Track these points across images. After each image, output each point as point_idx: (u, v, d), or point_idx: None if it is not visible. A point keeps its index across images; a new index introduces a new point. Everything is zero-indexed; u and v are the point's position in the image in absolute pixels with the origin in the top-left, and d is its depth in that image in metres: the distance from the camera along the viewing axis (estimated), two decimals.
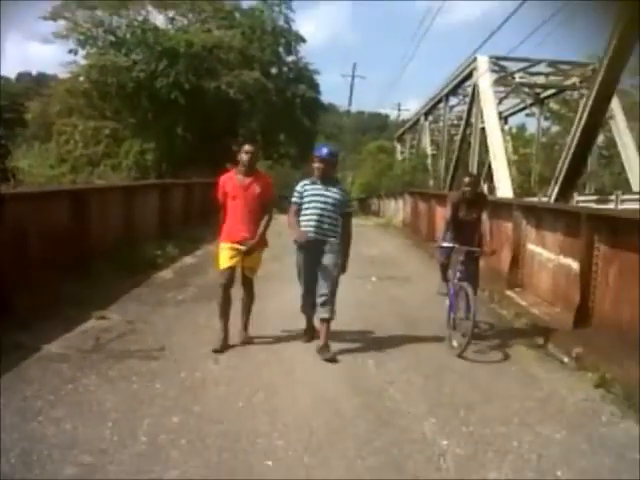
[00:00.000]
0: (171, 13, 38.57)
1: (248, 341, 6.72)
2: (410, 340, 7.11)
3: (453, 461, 4.07)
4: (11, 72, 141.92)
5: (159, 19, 37.98)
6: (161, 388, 5.11)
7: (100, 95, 34.64)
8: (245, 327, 6.83)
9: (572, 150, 17.49)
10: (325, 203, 6.47)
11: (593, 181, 30.83)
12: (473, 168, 28.78)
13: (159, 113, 33.14)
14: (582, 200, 20.52)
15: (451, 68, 33.72)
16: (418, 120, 43.59)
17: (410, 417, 4.81)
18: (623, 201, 17.98)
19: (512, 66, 29.41)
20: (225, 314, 6.58)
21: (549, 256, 8.84)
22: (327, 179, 6.54)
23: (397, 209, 27.07)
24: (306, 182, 6.63)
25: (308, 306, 6.79)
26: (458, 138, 31.95)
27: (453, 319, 6.97)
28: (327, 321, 6.47)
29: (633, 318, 6.28)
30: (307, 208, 6.49)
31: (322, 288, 6.46)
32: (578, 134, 17.18)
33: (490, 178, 26.79)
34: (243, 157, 6.59)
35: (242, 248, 6.51)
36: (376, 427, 4.57)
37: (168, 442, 4.13)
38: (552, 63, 29.22)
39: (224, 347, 6.41)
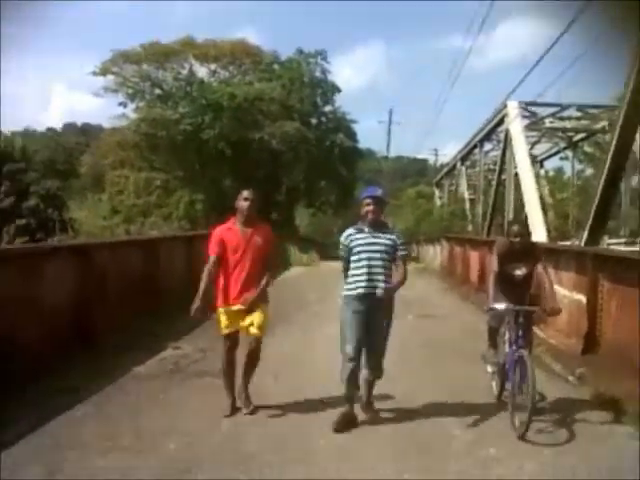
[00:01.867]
0: (213, 66, 40.78)
1: (253, 411, 5.94)
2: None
3: None
4: (56, 123, 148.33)
5: (201, 71, 40.24)
6: None
7: (150, 147, 36.50)
8: (245, 390, 6.03)
9: (599, 195, 18.23)
10: (377, 252, 5.66)
11: (628, 224, 31.32)
12: (509, 213, 29.68)
13: (206, 164, 34.82)
14: (613, 243, 21.24)
15: (487, 111, 34.82)
16: (455, 165, 44.27)
17: None
18: None
19: (542, 111, 30.10)
20: (229, 378, 5.99)
21: (565, 293, 9.73)
22: (377, 224, 5.74)
23: (435, 254, 28.08)
24: (351, 231, 5.81)
25: (354, 380, 5.75)
26: (495, 182, 32.73)
27: (512, 393, 5.89)
28: (373, 382, 5.93)
29: (633, 344, 7.29)
30: (357, 260, 5.67)
31: (374, 347, 5.74)
32: (603, 179, 17.96)
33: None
34: (242, 205, 5.85)
35: (241, 307, 5.81)
36: None
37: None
38: (581, 107, 29.76)
39: (234, 411, 5.87)
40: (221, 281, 5.86)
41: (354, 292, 5.67)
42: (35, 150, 47.68)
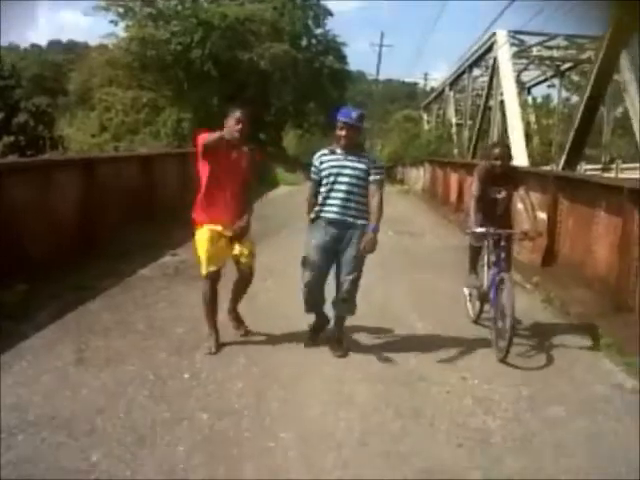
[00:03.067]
0: None
1: (247, 332, 5.82)
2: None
3: None
4: (41, 39, 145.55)
5: None
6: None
7: (139, 66, 36.53)
8: (235, 312, 5.84)
9: (577, 123, 18.86)
10: (349, 176, 5.26)
11: (607, 152, 32.07)
12: (493, 137, 30.30)
13: (195, 84, 34.97)
14: (589, 169, 22.08)
15: (476, 37, 34.82)
16: (444, 90, 44.48)
17: None
18: (623, 169, 19.48)
19: (530, 40, 30.35)
20: (213, 313, 5.52)
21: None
22: (351, 148, 5.30)
23: (418, 177, 28.85)
24: (324, 152, 5.43)
25: (315, 303, 5.61)
26: (480, 108, 33.22)
27: (494, 317, 5.78)
28: (344, 319, 5.66)
29: (585, 257, 8.17)
30: (327, 184, 5.31)
31: (346, 283, 5.37)
32: (582, 108, 18.56)
33: None
34: (233, 127, 5.20)
35: (229, 233, 5.37)
36: None
37: None
38: (568, 37, 29.96)
39: (218, 347, 5.43)
40: (204, 194, 5.35)
41: (324, 215, 5.33)
42: (23, 67, 47.35)
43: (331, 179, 5.31)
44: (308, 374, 5.06)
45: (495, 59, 29.13)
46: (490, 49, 30.45)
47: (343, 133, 5.26)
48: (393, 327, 6.32)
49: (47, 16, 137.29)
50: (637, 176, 16.39)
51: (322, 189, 5.37)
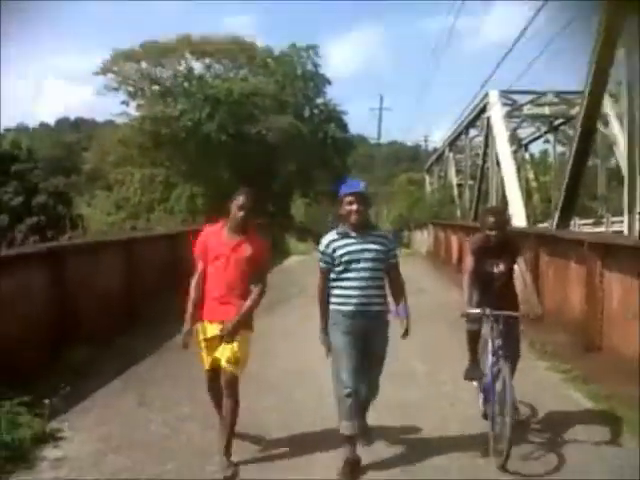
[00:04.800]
0: (207, 60, 42.73)
1: (233, 475, 4.72)
2: None
3: None
4: (49, 117, 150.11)
5: (196, 66, 42.18)
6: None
7: (153, 144, 38.39)
8: (227, 449, 4.84)
9: (566, 179, 19.82)
10: (368, 261, 4.72)
11: (604, 204, 33.26)
12: (492, 198, 31.53)
13: (206, 158, 36.73)
14: (582, 224, 23.26)
15: (472, 94, 36.27)
16: (444, 152, 45.49)
17: None
18: (613, 223, 20.60)
19: (521, 98, 31.46)
20: (220, 407, 5.05)
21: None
22: (364, 225, 4.78)
23: (422, 239, 30.20)
24: (333, 237, 4.82)
25: (360, 409, 4.91)
26: (479, 169, 34.53)
27: (491, 415, 5.16)
28: (369, 401, 5.06)
29: (562, 304, 9.37)
30: (345, 271, 4.73)
31: (374, 373, 4.90)
32: (570, 163, 19.52)
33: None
34: (236, 213, 4.90)
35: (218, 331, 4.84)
36: None
37: None
38: (558, 93, 31.06)
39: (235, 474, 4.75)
40: (205, 288, 4.97)
41: (345, 309, 4.74)
42: (36, 148, 49.34)
43: (349, 266, 4.71)
44: None
45: (489, 119, 30.48)
46: (484, 109, 31.50)
47: (354, 208, 4.67)
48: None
49: (54, 93, 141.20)
50: (623, 228, 17.44)
51: (336, 277, 4.77)
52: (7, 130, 55.58)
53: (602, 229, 22.32)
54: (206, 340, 4.90)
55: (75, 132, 78.08)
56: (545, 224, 25.95)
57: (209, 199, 36.45)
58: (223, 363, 4.82)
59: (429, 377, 7.39)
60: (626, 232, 16.22)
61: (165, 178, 39.01)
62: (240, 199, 4.93)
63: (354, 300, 4.71)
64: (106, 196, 40.76)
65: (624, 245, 7.91)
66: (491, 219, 5.40)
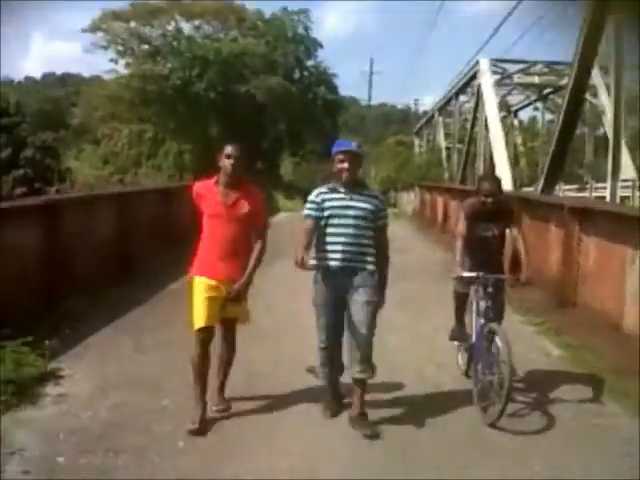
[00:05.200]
0: (197, 21, 42.43)
1: (225, 409, 5.00)
2: None
3: None
4: (35, 72, 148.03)
5: (186, 27, 41.93)
6: None
7: (141, 101, 38.32)
8: (221, 389, 5.07)
9: (553, 145, 20.13)
10: (355, 218, 4.71)
11: (589, 172, 33.65)
12: (480, 162, 31.89)
13: (194, 116, 36.75)
14: (566, 189, 23.65)
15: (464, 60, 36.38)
16: (433, 115, 45.94)
17: None
18: (597, 189, 21.04)
19: (511, 67, 32.07)
20: (202, 378, 4.81)
21: None
22: (354, 183, 4.79)
23: (409, 200, 30.53)
24: (323, 190, 4.82)
25: (331, 365, 4.98)
26: (467, 133, 34.82)
27: (478, 372, 5.20)
28: (364, 382, 4.80)
29: (542, 264, 9.71)
30: (330, 226, 4.72)
31: (358, 337, 4.70)
32: (557, 130, 19.81)
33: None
34: (224, 163, 4.78)
35: (223, 291, 4.79)
36: None
37: None
38: (548, 64, 31.64)
39: (204, 425, 4.69)
40: (200, 248, 4.90)
41: (329, 264, 4.72)
42: (24, 102, 48.99)
43: (334, 221, 4.71)
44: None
45: (479, 86, 30.76)
46: (474, 76, 32.02)
47: (345, 165, 4.70)
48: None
49: (40, 47, 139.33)
50: (606, 194, 17.91)
51: (321, 233, 4.75)
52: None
53: (585, 194, 22.68)
54: (207, 293, 4.74)
55: (61, 87, 77.30)
56: (530, 188, 26.30)
57: (197, 156, 36.67)
58: (227, 324, 4.96)
59: (408, 325, 7.72)
60: (608, 197, 16.66)
61: (153, 134, 39.07)
62: (228, 149, 4.82)
63: (338, 255, 4.68)
64: (94, 150, 40.69)
65: (601, 210, 8.25)
66: (486, 185, 5.44)
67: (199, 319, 4.75)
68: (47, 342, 5.86)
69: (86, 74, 68.99)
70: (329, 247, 4.74)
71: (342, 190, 4.77)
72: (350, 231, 4.71)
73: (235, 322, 5.01)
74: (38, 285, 7.63)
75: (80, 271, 8.63)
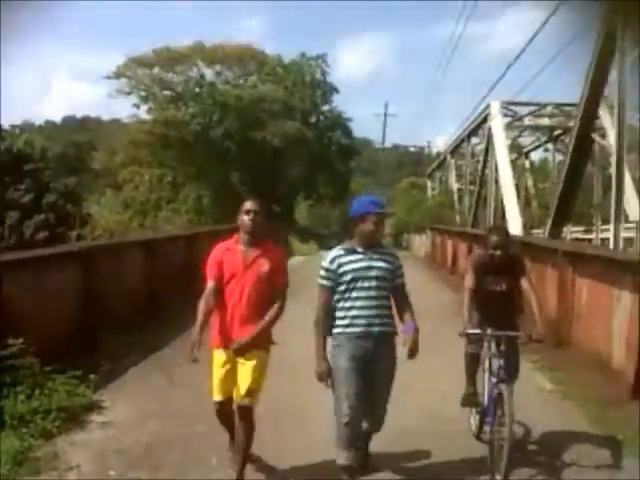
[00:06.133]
0: (218, 67, 43.87)
1: None
2: None
3: None
4: (55, 115, 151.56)
5: (207, 72, 43.34)
6: None
7: (162, 146, 39.45)
8: (240, 474, 4.67)
9: (560, 189, 20.38)
10: (376, 279, 4.51)
11: (599, 212, 34.15)
12: (490, 204, 32.50)
13: (214, 161, 37.79)
14: (573, 231, 24.23)
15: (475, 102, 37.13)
16: (446, 158, 46.39)
17: None
18: (603, 230, 21.56)
19: (522, 110, 32.80)
20: (231, 433, 4.89)
21: None
22: (373, 243, 4.59)
23: (421, 243, 31.26)
24: (339, 252, 4.57)
25: (358, 438, 4.64)
26: (478, 177, 35.48)
27: (490, 438, 5.02)
28: (371, 435, 4.88)
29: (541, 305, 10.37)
30: (352, 290, 4.49)
31: (381, 401, 4.63)
32: (564, 174, 19.66)
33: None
34: (244, 220, 4.64)
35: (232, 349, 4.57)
36: None
37: None
38: (557, 105, 32.29)
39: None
40: (216, 316, 4.64)
41: (350, 330, 4.48)
42: (46, 147, 50.31)
43: (356, 284, 4.48)
44: None
45: (489, 129, 31.35)
46: (486, 119, 32.58)
47: (373, 228, 4.51)
48: None
49: (61, 90, 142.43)
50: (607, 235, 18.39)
51: (340, 298, 4.52)
52: (13, 126, 56.75)
53: (592, 236, 23.31)
54: (220, 367, 4.63)
55: (81, 130, 79.01)
56: (540, 230, 26.80)
57: (215, 200, 37.56)
58: (238, 399, 4.62)
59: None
60: (612, 239, 17.24)
61: (173, 179, 40.06)
62: (247, 204, 4.65)
63: (361, 320, 4.45)
64: (115, 195, 41.72)
65: (592, 254, 8.93)
66: (495, 238, 5.22)
67: (215, 393, 4.70)
68: (92, 376, 6.62)
69: (105, 117, 70.90)
70: (352, 312, 4.48)
71: (360, 250, 4.53)
72: (372, 293, 4.50)
73: (251, 411, 4.64)
74: (77, 325, 8.42)
75: (112, 313, 9.39)
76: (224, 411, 4.75)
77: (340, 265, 4.50)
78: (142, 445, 5.50)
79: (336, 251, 4.60)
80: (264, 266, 4.61)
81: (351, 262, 4.50)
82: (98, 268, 9.31)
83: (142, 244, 12.01)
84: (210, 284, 4.61)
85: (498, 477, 4.70)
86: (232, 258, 4.65)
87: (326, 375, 4.48)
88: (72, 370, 6.57)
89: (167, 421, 6.06)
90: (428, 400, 6.75)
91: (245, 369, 4.58)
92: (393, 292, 4.64)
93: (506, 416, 4.68)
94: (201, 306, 4.52)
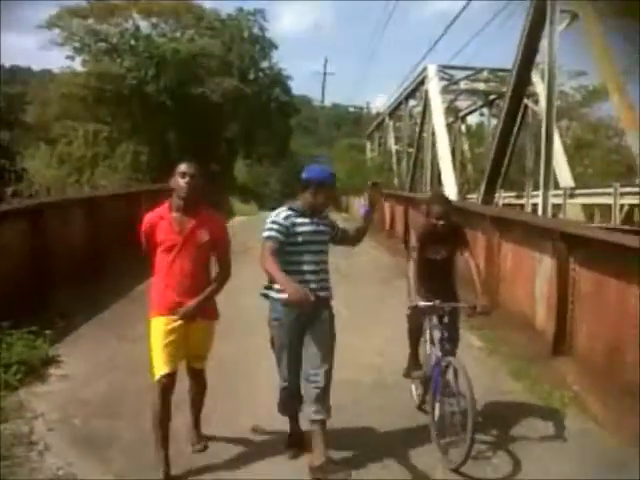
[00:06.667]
0: (154, 20, 43.06)
1: (202, 448, 4.79)
2: None
3: None
4: None
5: (143, 25, 42.50)
6: None
7: (96, 100, 38.63)
8: (196, 425, 4.85)
9: (492, 153, 20.42)
10: (320, 244, 4.58)
11: (531, 179, 35.19)
12: (427, 167, 33.19)
13: (151, 117, 37.29)
14: (505, 196, 25.05)
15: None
16: (384, 119, 46.92)
17: None
18: (533, 196, 22.35)
19: (458, 74, 33.48)
20: (163, 427, 4.44)
21: None
22: (318, 211, 4.62)
23: (359, 206, 31.75)
24: (289, 213, 4.50)
25: (291, 401, 4.68)
26: (416, 140, 36.06)
27: (439, 414, 4.93)
28: (323, 423, 4.41)
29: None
30: (300, 253, 4.47)
31: (317, 374, 4.41)
32: (497, 138, 20.17)
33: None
34: (178, 183, 4.38)
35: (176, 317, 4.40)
36: None
37: None
38: (492, 71, 33.21)
39: (168, 475, 4.35)
40: (155, 286, 4.51)
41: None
42: None
43: (302, 248, 4.46)
44: None
45: (426, 92, 31.97)
46: (423, 82, 33.22)
47: (323, 200, 4.56)
48: None
49: None
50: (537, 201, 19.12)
51: (287, 260, 4.42)
52: None
53: (523, 201, 24.22)
54: (166, 336, 4.39)
55: (11, 81, 76.36)
56: (474, 195, 27.52)
57: (153, 158, 37.12)
58: (191, 362, 4.67)
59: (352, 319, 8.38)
60: (540, 205, 18.07)
61: (109, 134, 39.37)
62: (182, 167, 4.40)
63: (307, 285, 4.35)
64: (49, 150, 40.84)
65: (516, 220, 9.57)
66: (437, 208, 5.22)
67: (159, 367, 4.38)
68: (47, 332, 6.93)
69: (35, 67, 68.69)
70: (297, 276, 4.37)
71: (308, 214, 4.53)
72: (317, 258, 4.54)
73: (204, 372, 4.76)
74: (26, 282, 8.64)
75: (59, 270, 9.60)
76: (170, 387, 4.40)
77: (292, 225, 4.44)
78: (100, 396, 5.89)
79: (286, 211, 4.52)
80: (204, 236, 4.42)
81: (301, 224, 4.48)
82: (46, 225, 9.50)
83: (86, 201, 12.24)
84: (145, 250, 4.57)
85: (456, 452, 4.65)
86: (167, 228, 4.42)
87: (305, 295, 4.17)
88: (27, 326, 6.84)
89: (121, 374, 6.42)
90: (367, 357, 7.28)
91: (195, 334, 4.50)
92: (341, 241, 4.79)
93: (465, 391, 4.59)
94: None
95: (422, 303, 4.99)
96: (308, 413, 4.47)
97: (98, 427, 5.25)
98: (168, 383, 4.39)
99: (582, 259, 6.97)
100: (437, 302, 4.98)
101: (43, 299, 8.46)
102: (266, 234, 4.42)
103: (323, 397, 4.41)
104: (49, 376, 6.34)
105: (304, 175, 4.60)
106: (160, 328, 4.41)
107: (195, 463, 4.65)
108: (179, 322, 4.39)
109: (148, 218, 4.51)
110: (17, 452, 4.74)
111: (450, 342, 5.02)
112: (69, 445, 4.94)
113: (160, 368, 4.38)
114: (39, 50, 68.67)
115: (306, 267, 4.46)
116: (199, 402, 4.88)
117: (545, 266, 7.91)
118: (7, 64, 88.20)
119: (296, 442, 4.83)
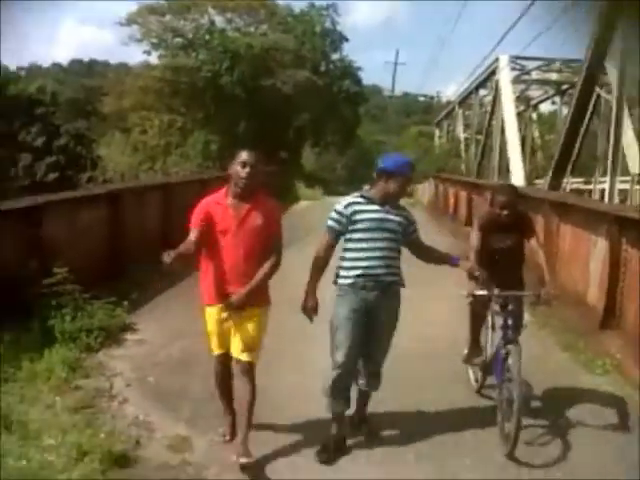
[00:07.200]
0: (229, 14, 44.01)
1: (250, 463, 4.26)
2: None
3: None
4: (62, 57, 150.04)
5: (218, 20, 43.49)
6: None
7: (172, 92, 39.86)
8: (245, 441, 4.34)
9: (562, 140, 20.16)
10: (389, 231, 4.56)
11: (601, 165, 34.62)
12: (496, 157, 33.01)
13: (223, 108, 38.22)
14: (573, 182, 24.85)
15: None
16: (454, 108, 46.56)
17: None
18: (601, 182, 22.16)
19: (530, 64, 33.16)
20: (225, 394, 4.78)
21: None
22: (392, 200, 4.62)
23: (424, 190, 31.96)
24: (356, 199, 4.58)
25: (346, 388, 4.69)
26: (484, 128, 35.94)
27: (505, 398, 4.82)
28: (369, 393, 4.89)
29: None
30: (360, 240, 4.51)
31: (379, 355, 4.71)
32: (567, 125, 19.93)
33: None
34: (237, 171, 4.34)
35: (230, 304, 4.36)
36: None
37: None
38: (565, 62, 32.60)
39: (233, 436, 4.64)
40: (207, 273, 4.49)
41: (357, 280, 4.49)
42: (58, 91, 50.77)
43: (369, 235, 4.50)
44: None
45: (497, 82, 31.80)
46: (494, 72, 32.95)
47: (399, 189, 4.55)
48: None
49: (68, 33, 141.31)
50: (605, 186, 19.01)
51: (350, 246, 4.54)
52: (20, 69, 57.35)
53: (590, 187, 23.99)
54: (218, 325, 4.47)
55: (90, 74, 79.13)
56: (541, 180, 27.35)
57: (223, 146, 38.04)
58: (236, 354, 4.44)
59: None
60: (607, 190, 17.95)
61: (182, 125, 40.53)
62: (243, 155, 4.35)
63: (370, 271, 4.47)
64: (124, 138, 42.22)
65: (574, 204, 9.71)
66: (503, 198, 5.20)
67: (214, 348, 4.60)
68: (125, 302, 7.54)
69: (113, 62, 70.93)
70: (361, 262, 4.50)
71: (378, 203, 4.56)
72: (385, 244, 4.52)
73: (252, 367, 4.47)
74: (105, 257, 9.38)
75: (134, 248, 10.29)
76: (226, 362, 4.57)
77: (355, 212, 4.51)
78: (173, 359, 6.47)
79: (352, 197, 4.63)
80: (257, 220, 4.37)
81: (368, 212, 4.52)
82: (124, 208, 10.22)
83: (159, 187, 12.95)
84: (193, 233, 4.34)
85: (507, 432, 4.67)
86: (223, 213, 4.38)
87: (311, 310, 4.55)
88: (107, 297, 7.45)
89: (191, 340, 6.89)
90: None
91: (244, 325, 4.41)
92: (411, 246, 4.77)
93: (514, 378, 4.61)
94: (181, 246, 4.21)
95: (479, 292, 4.98)
96: (362, 384, 4.78)
97: (170, 384, 5.82)
98: (224, 359, 4.59)
99: (634, 241, 7.24)
100: (496, 291, 4.96)
101: (121, 274, 9.18)
102: (327, 224, 4.59)
103: (375, 372, 4.74)
104: (126, 341, 6.96)
105: (380, 164, 4.64)
106: (213, 317, 4.50)
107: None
108: (229, 311, 4.38)
109: (204, 203, 4.47)
110: (99, 403, 5.31)
111: (513, 329, 4.97)
112: (145, 398, 5.54)
113: (215, 349, 4.60)
114: (119, 45, 70.66)
115: (371, 253, 4.49)
116: (247, 409, 4.41)
117: (599, 247, 8.15)
118: (86, 58, 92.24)
119: (334, 447, 4.66)
